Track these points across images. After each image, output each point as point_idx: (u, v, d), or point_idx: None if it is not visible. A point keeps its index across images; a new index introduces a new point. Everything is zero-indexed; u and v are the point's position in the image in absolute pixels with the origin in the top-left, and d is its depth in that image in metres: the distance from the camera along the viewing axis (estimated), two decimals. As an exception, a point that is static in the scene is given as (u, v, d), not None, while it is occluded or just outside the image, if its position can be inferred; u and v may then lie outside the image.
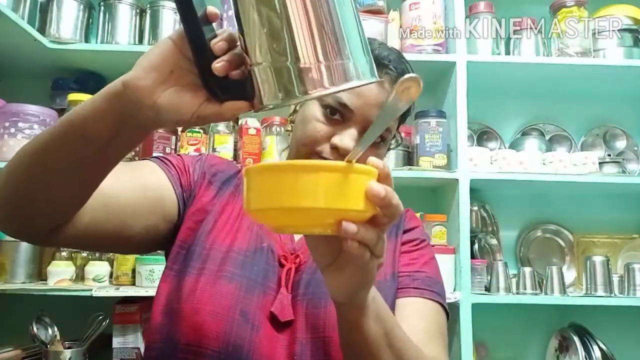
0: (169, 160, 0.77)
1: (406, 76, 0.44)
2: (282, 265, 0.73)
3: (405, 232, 0.86)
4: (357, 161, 0.46)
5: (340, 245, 0.48)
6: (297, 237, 0.78)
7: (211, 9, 0.51)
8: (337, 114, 0.73)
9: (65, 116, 0.55)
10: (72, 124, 0.54)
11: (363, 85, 0.50)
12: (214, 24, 0.52)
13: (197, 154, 0.84)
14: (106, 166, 0.57)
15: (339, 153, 0.71)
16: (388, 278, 0.78)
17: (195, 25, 0.49)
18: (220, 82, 0.50)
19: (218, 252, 0.72)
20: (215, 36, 0.51)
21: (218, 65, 0.49)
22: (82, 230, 0.62)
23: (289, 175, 0.44)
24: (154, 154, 1.44)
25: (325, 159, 0.73)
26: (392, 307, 0.77)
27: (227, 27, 0.49)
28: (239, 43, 0.51)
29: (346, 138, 0.71)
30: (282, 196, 0.44)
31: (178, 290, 0.69)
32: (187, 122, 0.52)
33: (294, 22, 0.47)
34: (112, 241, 0.70)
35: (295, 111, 0.82)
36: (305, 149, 0.75)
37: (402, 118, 0.83)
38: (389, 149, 0.88)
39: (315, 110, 0.75)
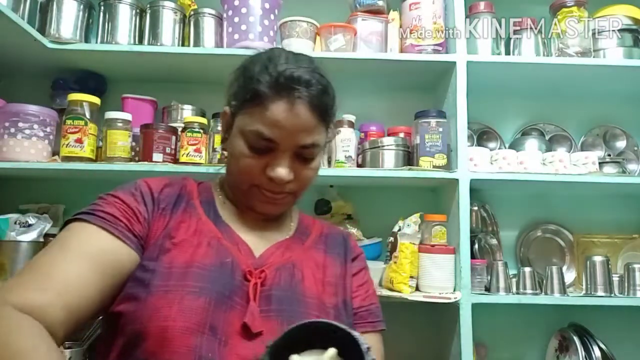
0: (112, 215, 0.74)
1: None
2: (247, 280, 0.75)
3: (353, 259, 0.91)
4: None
5: None
6: (258, 252, 0.80)
7: None
8: (263, 149, 0.77)
9: None
10: None
11: None
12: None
13: (131, 185, 0.81)
14: None
15: (277, 182, 0.78)
16: (340, 305, 0.82)
17: None
18: None
19: (178, 268, 0.72)
20: None
21: None
22: (71, 333, 0.66)
23: None
24: (154, 155, 1.45)
25: (264, 189, 0.79)
26: None
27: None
28: None
29: (278, 169, 0.77)
30: None
31: (140, 311, 0.68)
32: None
33: None
34: (97, 316, 0.72)
35: (225, 139, 0.85)
36: (244, 184, 0.81)
37: (330, 123, 0.85)
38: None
39: (242, 147, 0.79)
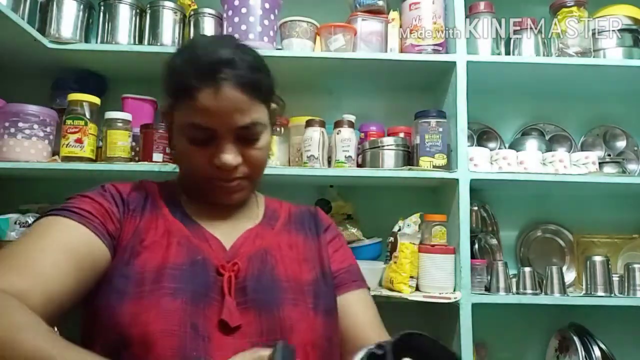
0: (87, 211, 0.75)
1: None
2: (220, 275, 0.75)
3: (325, 230, 0.92)
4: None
5: None
6: (228, 244, 0.80)
7: None
8: (204, 139, 0.77)
9: None
10: None
11: None
12: None
13: (99, 188, 0.82)
14: None
15: (226, 169, 0.78)
16: (319, 277, 0.83)
17: None
18: None
19: (151, 272, 0.72)
20: None
21: None
22: (49, 321, 0.65)
23: None
24: (154, 155, 1.45)
25: (217, 179, 0.79)
26: (332, 303, 0.82)
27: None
28: None
29: (223, 155, 0.77)
30: None
31: (119, 318, 0.68)
32: None
33: None
34: (73, 308, 0.72)
35: (171, 138, 0.85)
36: (197, 179, 0.81)
37: (269, 98, 0.83)
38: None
39: (184, 143, 0.79)
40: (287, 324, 0.73)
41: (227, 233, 0.82)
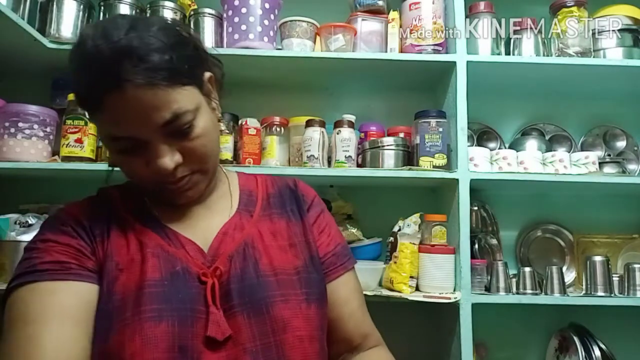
0: (56, 262, 0.67)
1: None
2: (202, 282, 0.70)
3: (309, 208, 0.85)
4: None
5: None
6: (206, 246, 0.75)
7: None
8: (131, 148, 0.69)
9: None
10: None
11: None
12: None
13: (56, 221, 0.73)
14: None
15: (166, 173, 0.69)
16: (307, 262, 0.79)
17: None
18: None
19: (131, 296, 0.67)
20: None
21: None
22: None
23: None
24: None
25: (164, 183, 0.72)
26: (322, 290, 0.79)
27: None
28: None
29: (158, 161, 0.68)
30: None
31: (109, 351, 0.65)
32: None
33: None
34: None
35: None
36: (145, 187, 0.74)
37: (190, 74, 0.71)
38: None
39: (114, 155, 0.72)
40: (280, 322, 0.69)
41: (202, 233, 0.76)
